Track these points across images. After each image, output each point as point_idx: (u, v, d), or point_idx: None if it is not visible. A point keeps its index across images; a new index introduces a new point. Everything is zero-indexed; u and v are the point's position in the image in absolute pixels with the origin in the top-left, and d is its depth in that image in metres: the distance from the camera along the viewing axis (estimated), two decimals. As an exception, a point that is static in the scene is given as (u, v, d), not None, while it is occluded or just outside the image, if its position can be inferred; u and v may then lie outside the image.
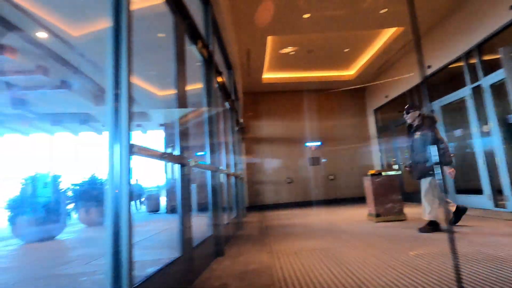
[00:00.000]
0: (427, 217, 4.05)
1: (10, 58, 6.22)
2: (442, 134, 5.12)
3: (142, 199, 12.70)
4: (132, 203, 7.77)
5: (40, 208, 6.13)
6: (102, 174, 8.70)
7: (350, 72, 9.72)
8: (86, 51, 6.57)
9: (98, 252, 4.25)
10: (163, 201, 11.79)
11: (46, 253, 5.03)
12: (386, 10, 6.12)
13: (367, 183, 5.56)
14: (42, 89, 8.02)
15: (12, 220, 6.10)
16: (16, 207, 6.21)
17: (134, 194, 11.11)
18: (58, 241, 6.11)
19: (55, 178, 6.91)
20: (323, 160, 10.31)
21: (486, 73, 5.54)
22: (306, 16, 6.29)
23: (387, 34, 7.33)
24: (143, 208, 12.55)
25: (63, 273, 3.35)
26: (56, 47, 6.84)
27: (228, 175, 5.75)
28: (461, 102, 6.33)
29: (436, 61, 6.82)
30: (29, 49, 6.81)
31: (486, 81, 5.51)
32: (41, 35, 6.20)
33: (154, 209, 11.30)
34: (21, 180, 6.55)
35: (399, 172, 7.57)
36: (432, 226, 3.97)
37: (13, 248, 5.57)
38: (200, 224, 3.42)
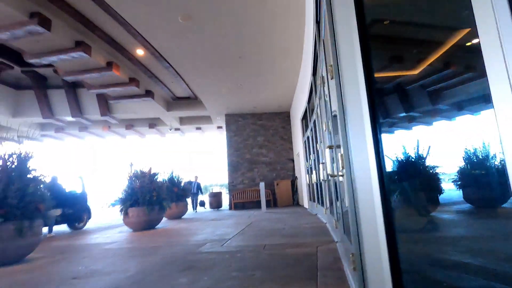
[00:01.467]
0: None
1: (115, 74, 7.64)
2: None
3: (201, 198, 12.92)
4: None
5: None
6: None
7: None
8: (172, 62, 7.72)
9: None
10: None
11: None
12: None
13: None
14: (132, 99, 9.50)
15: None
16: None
17: (193, 192, 11.88)
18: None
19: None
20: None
21: None
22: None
23: None
24: (205, 208, 13.30)
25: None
26: (147, 61, 8.21)
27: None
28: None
29: None
30: (127, 64, 8.27)
31: None
32: (139, 52, 7.56)
33: (216, 206, 12.28)
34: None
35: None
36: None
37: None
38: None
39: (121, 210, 6.79)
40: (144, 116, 12.43)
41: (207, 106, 11.10)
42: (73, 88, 10.73)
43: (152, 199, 6.84)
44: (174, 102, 11.64)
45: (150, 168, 7.37)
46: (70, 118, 11.48)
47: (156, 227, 7.07)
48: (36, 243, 4.07)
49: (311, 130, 6.72)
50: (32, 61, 6.77)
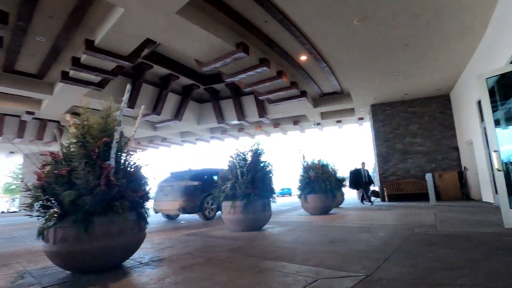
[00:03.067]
0: None
1: (283, 81, 8.94)
2: None
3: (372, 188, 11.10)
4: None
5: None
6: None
7: None
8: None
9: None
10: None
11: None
12: None
13: None
14: (290, 100, 10.78)
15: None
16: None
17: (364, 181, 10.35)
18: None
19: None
20: None
21: None
22: None
23: None
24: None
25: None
26: (306, 65, 9.16)
27: None
28: None
29: None
30: (290, 71, 9.48)
31: None
32: (303, 58, 8.54)
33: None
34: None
35: None
36: None
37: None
38: None
39: (299, 196, 7.96)
40: (292, 114, 13.77)
41: (354, 99, 11.29)
42: (238, 98, 13.11)
43: (326, 188, 7.69)
44: (320, 98, 12.38)
45: (320, 160, 8.26)
46: (235, 122, 14.04)
47: (329, 212, 7.89)
48: (268, 218, 5.44)
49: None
50: (228, 80, 8.80)
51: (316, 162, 8.17)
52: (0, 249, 4.68)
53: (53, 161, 2.75)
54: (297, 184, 8.13)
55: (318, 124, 15.10)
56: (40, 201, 2.60)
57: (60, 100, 9.92)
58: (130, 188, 2.82)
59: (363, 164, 10.67)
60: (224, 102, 13.65)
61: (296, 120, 14.89)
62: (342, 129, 16.76)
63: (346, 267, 2.45)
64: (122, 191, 2.71)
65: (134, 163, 3.05)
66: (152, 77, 11.19)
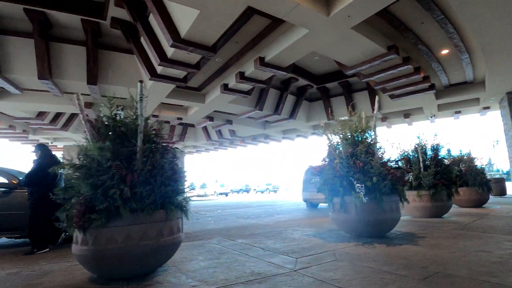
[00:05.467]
0: None
1: (419, 76, 9.10)
2: None
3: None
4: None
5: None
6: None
7: None
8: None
9: None
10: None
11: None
12: None
13: None
14: (415, 94, 10.79)
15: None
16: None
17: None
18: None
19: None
20: None
21: None
22: None
23: None
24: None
25: None
26: (443, 58, 9.11)
27: None
28: None
29: None
30: (424, 65, 9.54)
31: None
32: (444, 52, 8.57)
33: (500, 193, 11.52)
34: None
35: None
36: None
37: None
38: None
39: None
40: (408, 107, 13.58)
41: (488, 87, 10.64)
42: (349, 94, 13.56)
43: (480, 181, 7.68)
44: (444, 90, 11.97)
45: (466, 154, 8.24)
46: (344, 118, 14.51)
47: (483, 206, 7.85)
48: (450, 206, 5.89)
49: None
50: (364, 80, 9.39)
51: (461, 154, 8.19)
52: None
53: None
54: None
55: (433, 116, 14.51)
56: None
57: (207, 108, 11.92)
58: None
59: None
60: (334, 99, 14.25)
61: (408, 113, 14.59)
62: (457, 120, 15.69)
63: None
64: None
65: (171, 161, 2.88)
66: (275, 81, 12.46)
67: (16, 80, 8.07)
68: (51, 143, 17.54)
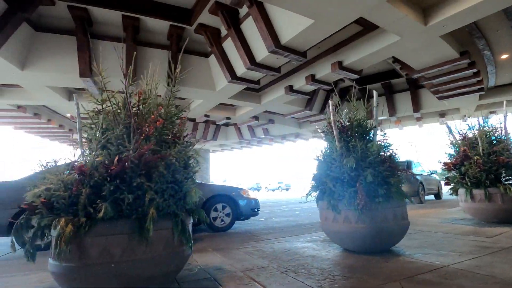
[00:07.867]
0: None
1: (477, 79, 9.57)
2: None
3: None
4: None
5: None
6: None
7: None
8: None
9: None
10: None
11: None
12: None
13: None
14: (465, 95, 11.28)
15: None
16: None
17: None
18: None
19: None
20: None
21: None
22: None
23: None
24: None
25: None
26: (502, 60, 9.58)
27: None
28: None
29: None
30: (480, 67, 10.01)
31: None
32: (503, 56, 9.03)
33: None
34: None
35: None
36: None
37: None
38: None
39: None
40: (447, 108, 14.09)
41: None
42: (390, 95, 14.03)
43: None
44: (486, 91, 12.48)
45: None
46: (385, 117, 15.03)
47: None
48: None
49: None
50: (425, 82, 9.85)
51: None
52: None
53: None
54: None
55: (468, 117, 15.01)
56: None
57: (260, 108, 12.34)
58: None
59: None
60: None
61: (443, 113, 15.10)
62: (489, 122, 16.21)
63: None
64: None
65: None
66: (322, 82, 12.90)
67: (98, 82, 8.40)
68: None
